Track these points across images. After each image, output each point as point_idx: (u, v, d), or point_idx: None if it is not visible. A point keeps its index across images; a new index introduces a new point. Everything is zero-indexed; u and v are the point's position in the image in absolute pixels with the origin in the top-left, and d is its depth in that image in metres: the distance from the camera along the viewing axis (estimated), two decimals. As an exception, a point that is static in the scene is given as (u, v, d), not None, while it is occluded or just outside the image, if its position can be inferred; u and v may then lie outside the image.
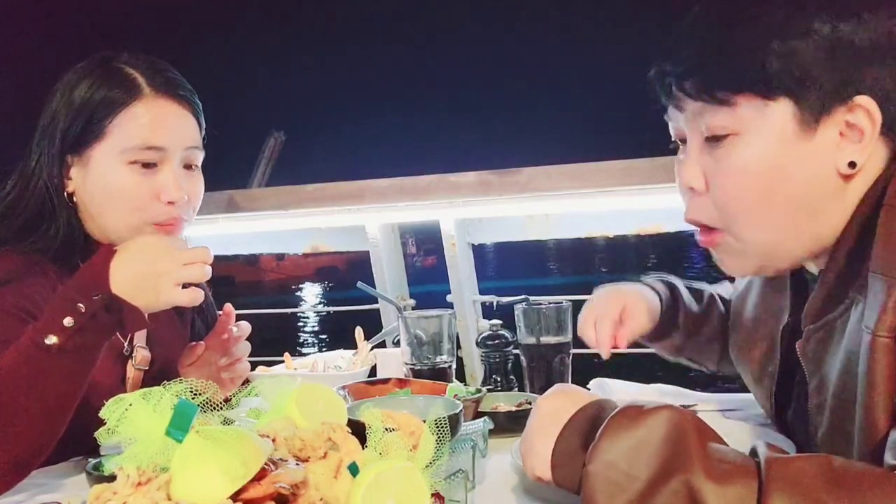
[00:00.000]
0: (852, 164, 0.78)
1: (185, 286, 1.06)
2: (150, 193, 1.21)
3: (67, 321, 0.99)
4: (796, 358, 0.89)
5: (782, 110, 0.79)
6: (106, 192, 1.20)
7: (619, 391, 1.34)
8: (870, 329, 0.72)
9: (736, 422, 1.15)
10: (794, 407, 0.97)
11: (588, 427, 0.75)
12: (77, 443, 1.07)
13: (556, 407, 0.80)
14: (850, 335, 0.78)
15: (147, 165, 1.20)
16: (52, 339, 0.99)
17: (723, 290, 1.29)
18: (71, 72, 1.24)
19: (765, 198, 0.82)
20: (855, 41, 0.76)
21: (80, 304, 1.00)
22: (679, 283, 1.28)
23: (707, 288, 1.31)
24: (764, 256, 0.87)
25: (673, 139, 0.93)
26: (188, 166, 1.26)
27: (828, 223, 0.82)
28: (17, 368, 1.00)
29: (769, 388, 1.01)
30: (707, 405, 1.25)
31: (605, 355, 1.18)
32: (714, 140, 0.84)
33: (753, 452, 0.68)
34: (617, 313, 1.19)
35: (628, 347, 1.22)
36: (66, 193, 1.22)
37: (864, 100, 0.77)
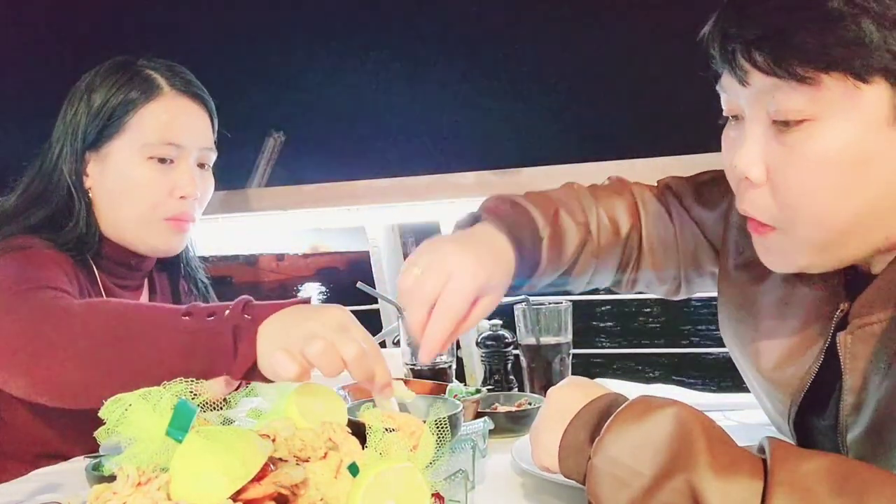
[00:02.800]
0: None
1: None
2: (166, 189, 1.24)
3: (209, 315, 0.93)
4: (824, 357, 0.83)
5: (877, 94, 0.68)
6: (123, 185, 1.23)
7: (619, 391, 1.34)
8: None
9: (736, 422, 1.15)
10: (813, 410, 0.89)
11: (596, 420, 0.73)
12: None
13: (567, 399, 0.78)
14: None
15: (163, 161, 1.23)
16: (187, 317, 0.93)
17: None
18: (92, 73, 1.27)
19: (840, 197, 0.71)
20: None
21: (227, 311, 0.93)
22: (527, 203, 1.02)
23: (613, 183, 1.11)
24: (817, 256, 0.77)
25: (724, 113, 0.80)
26: (201, 165, 1.30)
27: None
28: (147, 318, 0.95)
29: (798, 382, 0.87)
30: (707, 405, 1.25)
31: (425, 358, 0.84)
32: (784, 125, 0.72)
33: (762, 449, 0.67)
34: (469, 299, 0.84)
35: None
36: (85, 189, 1.24)
37: None
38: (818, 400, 0.88)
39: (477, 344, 1.47)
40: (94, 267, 1.25)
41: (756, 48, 0.71)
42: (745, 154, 0.76)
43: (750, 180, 0.76)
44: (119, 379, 0.89)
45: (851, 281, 0.83)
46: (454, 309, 0.83)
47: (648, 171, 1.51)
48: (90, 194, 1.25)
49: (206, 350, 0.91)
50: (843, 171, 0.70)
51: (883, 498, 0.59)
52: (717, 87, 0.80)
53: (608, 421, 0.71)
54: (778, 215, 0.76)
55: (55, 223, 1.21)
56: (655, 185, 1.12)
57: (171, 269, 1.43)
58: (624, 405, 0.72)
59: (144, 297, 1.36)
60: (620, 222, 1.07)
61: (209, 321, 0.92)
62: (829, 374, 0.84)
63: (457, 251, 0.85)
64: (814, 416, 0.90)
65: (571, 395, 0.78)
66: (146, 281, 1.38)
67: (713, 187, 1.05)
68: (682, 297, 1.14)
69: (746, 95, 0.75)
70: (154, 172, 1.23)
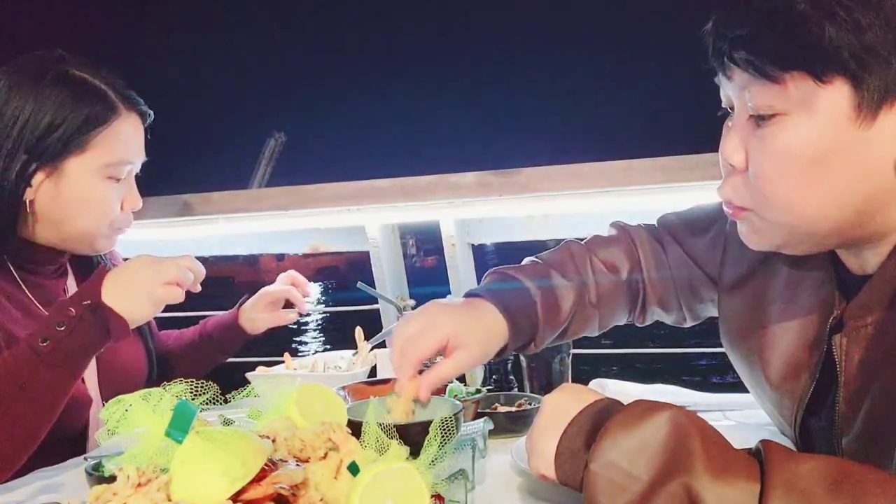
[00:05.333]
0: None
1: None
2: (117, 203, 1.29)
3: (59, 326, 1.07)
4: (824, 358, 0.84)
5: (837, 93, 0.71)
6: (80, 202, 1.24)
7: (618, 391, 1.34)
8: None
9: (736, 422, 1.15)
10: (813, 410, 0.91)
11: (592, 426, 0.74)
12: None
13: (562, 405, 0.78)
14: None
15: (117, 178, 1.28)
16: (45, 343, 1.06)
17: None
18: (23, 75, 1.22)
19: (806, 185, 0.75)
20: None
21: (71, 309, 1.08)
22: (519, 273, 1.09)
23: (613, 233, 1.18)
24: (788, 237, 0.81)
25: (723, 104, 0.85)
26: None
27: (882, 220, 0.75)
28: (11, 370, 1.06)
29: (800, 395, 0.90)
30: (707, 405, 1.25)
31: (400, 420, 0.92)
32: (760, 118, 0.77)
33: (758, 452, 0.67)
34: (431, 351, 0.96)
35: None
36: (24, 200, 1.21)
37: None
38: (817, 401, 0.89)
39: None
40: (11, 266, 1.26)
41: (736, 46, 0.76)
42: (729, 142, 0.81)
43: (733, 166, 0.81)
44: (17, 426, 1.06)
45: (845, 284, 0.86)
46: (441, 375, 0.95)
47: (648, 170, 1.51)
48: (32, 206, 1.22)
49: (79, 348, 1.09)
50: (805, 165, 0.74)
51: (879, 498, 0.60)
52: (715, 80, 0.84)
53: (604, 426, 0.71)
54: (751, 199, 0.81)
55: None
56: (655, 223, 1.20)
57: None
58: (619, 410, 0.73)
59: (71, 282, 1.38)
60: (619, 266, 1.14)
61: (60, 331, 1.07)
62: (826, 376, 0.85)
63: (451, 322, 0.97)
64: (812, 416, 0.90)
65: (566, 401, 0.79)
66: (68, 265, 1.39)
67: (703, 216, 1.13)
68: (689, 324, 1.19)
69: (732, 89, 0.80)
70: (109, 190, 1.27)
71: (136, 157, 1.31)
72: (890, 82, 0.69)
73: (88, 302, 1.09)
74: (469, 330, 0.97)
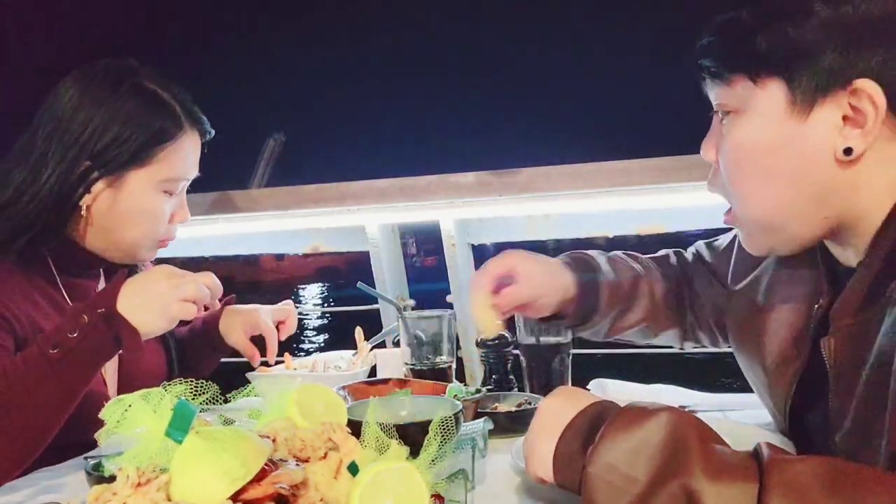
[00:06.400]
0: (848, 151, 0.76)
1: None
2: (168, 216, 1.30)
3: (71, 333, 1.06)
4: (815, 356, 0.86)
5: (773, 91, 0.79)
6: (135, 212, 1.26)
7: (618, 391, 1.34)
8: None
9: (736, 422, 1.15)
10: (809, 406, 0.93)
11: (589, 428, 0.74)
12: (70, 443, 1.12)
13: (559, 408, 0.79)
14: (885, 335, 0.74)
15: (171, 192, 1.29)
16: (55, 350, 1.05)
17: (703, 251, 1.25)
18: (99, 83, 1.23)
19: (759, 177, 0.83)
20: (857, 22, 0.74)
21: (84, 316, 1.07)
22: (600, 255, 1.24)
23: (663, 252, 1.29)
24: (769, 235, 0.87)
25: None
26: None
27: (843, 209, 0.80)
28: (21, 375, 1.06)
29: (789, 383, 0.95)
30: (707, 405, 1.25)
31: (487, 334, 1.16)
32: (724, 115, 0.86)
33: (756, 453, 0.68)
34: (497, 273, 1.13)
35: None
36: (80, 205, 1.22)
37: (865, 83, 0.74)
38: (812, 397, 0.90)
39: (477, 344, 1.47)
40: (53, 267, 1.27)
41: (702, 53, 0.86)
42: (705, 140, 0.91)
43: (716, 162, 0.90)
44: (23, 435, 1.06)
45: (835, 273, 0.89)
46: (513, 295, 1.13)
47: (648, 171, 1.51)
48: (89, 211, 1.23)
49: (89, 357, 1.08)
50: (756, 158, 0.83)
51: (876, 496, 0.60)
52: (703, 84, 0.92)
53: (602, 428, 0.72)
54: (726, 193, 0.90)
55: (27, 230, 1.19)
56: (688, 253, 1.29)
57: None
58: (617, 412, 0.73)
59: (101, 285, 1.37)
60: (675, 285, 1.26)
61: (72, 338, 1.06)
62: (820, 373, 0.85)
63: (525, 256, 1.16)
64: (810, 412, 0.92)
65: (563, 405, 0.79)
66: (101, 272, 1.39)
67: (722, 240, 1.22)
68: (722, 346, 1.24)
69: (708, 91, 0.89)
70: (164, 204, 1.28)
71: (192, 173, 1.33)
72: (820, 80, 0.76)
73: (103, 310, 1.08)
74: (537, 267, 1.15)
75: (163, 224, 1.30)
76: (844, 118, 0.76)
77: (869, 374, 0.76)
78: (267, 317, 1.43)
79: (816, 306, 0.90)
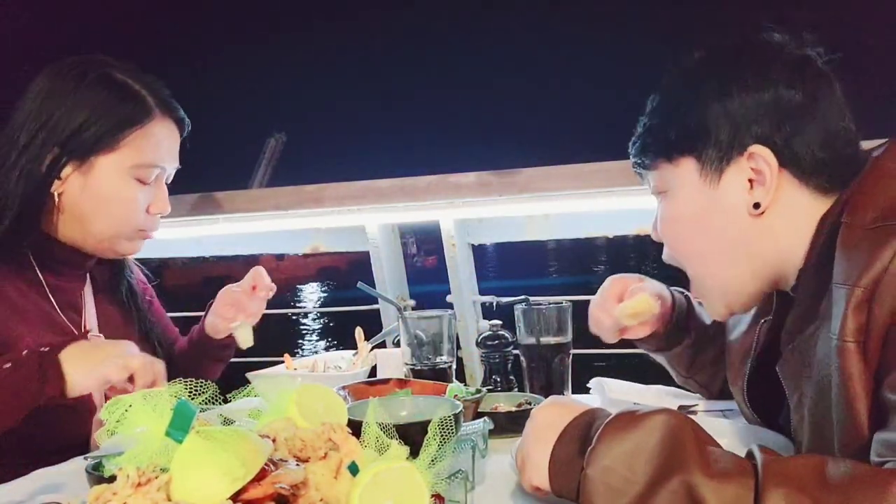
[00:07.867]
0: (757, 205, 0.88)
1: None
2: (144, 206, 1.30)
3: (5, 363, 1.07)
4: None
5: (688, 168, 0.92)
6: (105, 200, 1.25)
7: (618, 391, 1.34)
8: (835, 336, 0.75)
9: (736, 422, 1.15)
10: (784, 420, 0.99)
11: (584, 434, 0.76)
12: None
13: (552, 417, 0.81)
14: (820, 348, 0.81)
15: (145, 181, 1.29)
16: (6, 365, 1.07)
17: None
18: (66, 75, 1.25)
19: (691, 242, 0.97)
20: (740, 106, 0.88)
21: (25, 350, 1.09)
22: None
23: None
24: (722, 297, 0.97)
25: None
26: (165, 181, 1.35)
27: (770, 255, 0.91)
28: None
29: (742, 389, 1.06)
30: (707, 406, 1.25)
31: (608, 337, 1.23)
32: (659, 198, 1.00)
33: (749, 455, 0.69)
34: (618, 291, 1.23)
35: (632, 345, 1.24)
36: (52, 192, 1.23)
37: (757, 148, 0.87)
38: (787, 420, 0.95)
39: (477, 344, 1.47)
40: (36, 266, 1.27)
41: (633, 150, 1.01)
42: (652, 223, 1.04)
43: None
44: None
45: (787, 296, 0.96)
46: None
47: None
48: (60, 200, 1.24)
49: (10, 391, 1.06)
50: (684, 226, 0.96)
51: (868, 489, 0.62)
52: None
53: (598, 432, 0.73)
54: (679, 265, 1.01)
55: None
56: None
57: (110, 262, 1.43)
58: (612, 416, 0.75)
59: (87, 290, 1.37)
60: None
61: (3, 368, 1.06)
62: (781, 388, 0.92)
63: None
64: (787, 425, 0.96)
65: (555, 413, 0.81)
66: (87, 274, 1.39)
67: None
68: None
69: (644, 181, 1.03)
70: (136, 191, 1.28)
71: (166, 162, 1.32)
72: (721, 152, 0.89)
73: (46, 349, 1.09)
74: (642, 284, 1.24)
75: (138, 213, 1.29)
76: (750, 180, 0.89)
77: (815, 389, 0.82)
78: (236, 287, 1.47)
79: (763, 321, 1.01)
